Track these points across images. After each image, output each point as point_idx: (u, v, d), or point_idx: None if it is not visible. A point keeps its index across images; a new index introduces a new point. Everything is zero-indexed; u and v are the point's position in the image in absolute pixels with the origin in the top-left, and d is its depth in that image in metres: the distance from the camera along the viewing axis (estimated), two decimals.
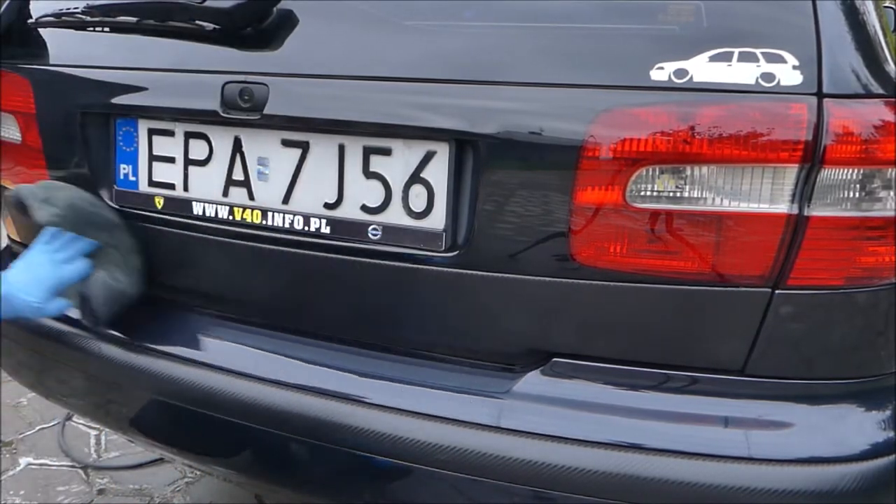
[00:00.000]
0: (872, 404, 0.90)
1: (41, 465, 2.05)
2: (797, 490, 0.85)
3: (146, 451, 2.07)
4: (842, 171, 0.80)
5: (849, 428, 0.89)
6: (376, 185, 0.96)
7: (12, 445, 2.13)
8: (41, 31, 1.22)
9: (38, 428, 2.22)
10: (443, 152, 0.92)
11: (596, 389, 0.93)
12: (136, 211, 1.14)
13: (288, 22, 0.99)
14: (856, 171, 0.81)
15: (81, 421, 2.24)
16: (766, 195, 0.81)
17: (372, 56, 0.96)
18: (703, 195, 0.83)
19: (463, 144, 0.91)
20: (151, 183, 1.13)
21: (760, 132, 0.80)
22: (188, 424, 1.15)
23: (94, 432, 2.19)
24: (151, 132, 1.11)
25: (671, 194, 0.83)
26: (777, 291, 0.85)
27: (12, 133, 1.24)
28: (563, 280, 0.90)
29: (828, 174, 0.80)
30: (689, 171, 0.83)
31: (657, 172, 0.83)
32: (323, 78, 0.97)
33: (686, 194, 0.83)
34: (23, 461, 2.06)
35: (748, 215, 0.82)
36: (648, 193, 0.84)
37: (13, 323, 1.28)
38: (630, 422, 0.91)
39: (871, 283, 0.86)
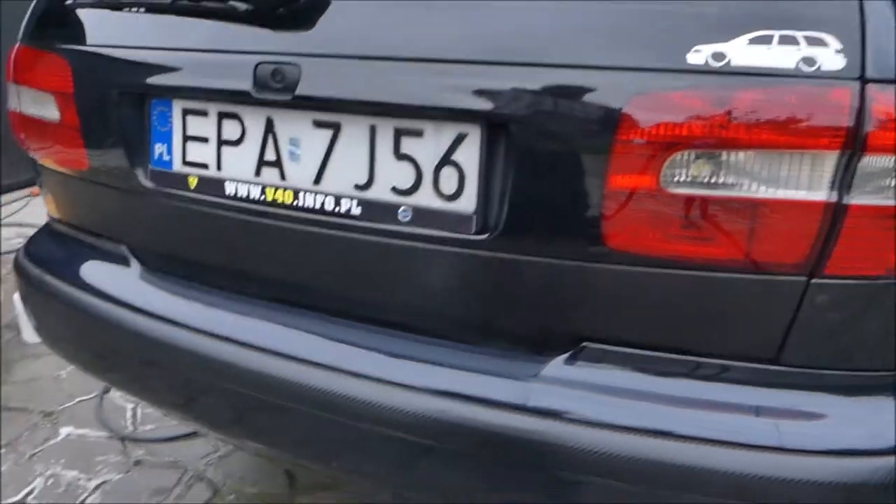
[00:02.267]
0: None
1: (80, 435, 2.11)
2: (828, 481, 0.84)
3: (180, 424, 2.12)
4: (884, 158, 0.78)
5: (883, 420, 0.87)
6: (407, 167, 0.96)
7: (53, 416, 2.20)
8: (78, 12, 1.23)
9: (77, 400, 2.28)
10: (474, 135, 0.91)
11: (625, 375, 0.93)
12: (170, 190, 1.16)
13: (321, 2, 0.99)
14: None
15: (119, 394, 2.30)
16: (805, 182, 0.79)
17: (404, 37, 0.95)
18: (740, 181, 0.81)
19: (495, 127, 0.90)
20: (185, 163, 1.14)
21: (800, 118, 0.78)
22: (221, 400, 1.18)
23: (130, 405, 2.24)
24: (185, 112, 1.12)
25: (706, 180, 0.82)
26: (813, 280, 0.83)
27: (51, 112, 1.26)
28: (595, 265, 0.89)
29: (869, 161, 0.78)
30: (725, 157, 0.81)
31: (692, 157, 0.82)
32: (355, 59, 0.97)
33: (722, 180, 0.81)
34: (63, 431, 2.12)
35: (785, 202, 0.80)
36: (683, 178, 0.82)
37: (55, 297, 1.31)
38: (659, 408, 0.90)
39: None
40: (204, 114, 1.10)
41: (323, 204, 1.02)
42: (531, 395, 0.94)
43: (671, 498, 0.87)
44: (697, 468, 0.86)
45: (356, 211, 1.00)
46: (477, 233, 0.93)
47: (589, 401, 0.92)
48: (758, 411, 0.88)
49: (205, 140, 1.11)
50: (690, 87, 0.80)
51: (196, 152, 1.12)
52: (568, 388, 0.93)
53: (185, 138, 1.13)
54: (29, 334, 2.58)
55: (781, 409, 0.88)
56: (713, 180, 0.82)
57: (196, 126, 1.12)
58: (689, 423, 0.88)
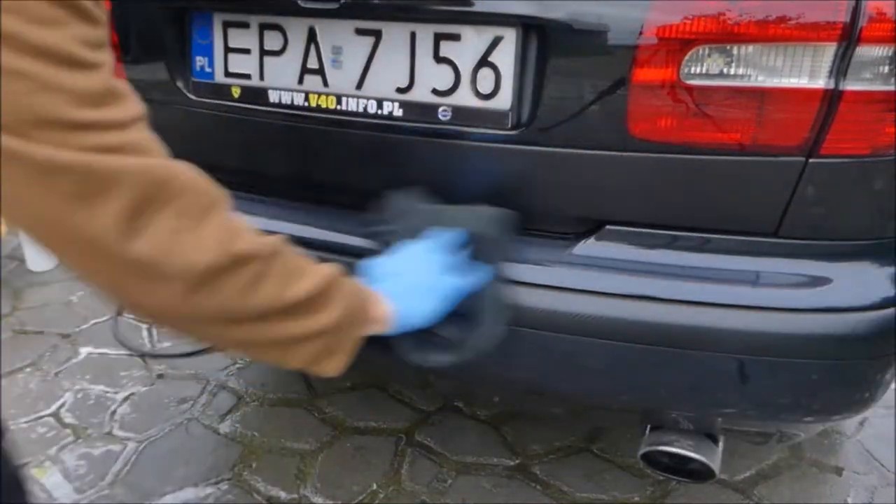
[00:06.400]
0: (890, 261, 1.02)
1: (101, 353, 2.20)
2: (820, 334, 0.98)
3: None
4: (876, 48, 0.89)
5: (867, 281, 1.01)
6: (446, 70, 1.05)
7: (70, 337, 2.28)
8: None
9: (91, 322, 2.36)
10: (510, 37, 1.00)
11: (643, 252, 1.05)
12: (213, 101, 1.23)
13: None
14: (887, 48, 0.90)
15: (131, 315, 2.38)
16: (806, 72, 0.91)
17: None
18: (749, 72, 0.92)
19: (529, 29, 0.99)
20: (228, 74, 1.21)
21: (804, 14, 0.89)
22: None
23: (145, 325, 2.34)
24: (226, 25, 1.19)
25: (721, 72, 0.93)
26: (811, 160, 0.96)
27: None
28: (618, 153, 1.00)
29: (863, 52, 0.89)
30: (737, 51, 0.92)
31: (709, 52, 0.92)
32: None
33: (734, 72, 0.93)
34: (83, 350, 2.21)
35: (789, 90, 0.92)
36: (700, 71, 0.93)
37: None
38: (673, 278, 1.03)
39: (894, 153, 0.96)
40: (245, 26, 1.17)
41: (366, 107, 1.11)
42: (558, 274, 1.06)
43: (691, 354, 1.01)
44: (707, 328, 1.00)
45: (398, 112, 1.09)
46: (512, 128, 1.04)
47: (612, 276, 1.05)
48: (758, 277, 1.02)
49: (247, 51, 1.18)
50: None
51: (238, 63, 1.20)
52: (593, 267, 1.06)
53: (227, 50, 1.20)
54: (34, 263, 2.64)
55: (780, 274, 1.01)
56: (726, 72, 0.93)
57: (238, 38, 1.18)
58: (700, 290, 1.01)
